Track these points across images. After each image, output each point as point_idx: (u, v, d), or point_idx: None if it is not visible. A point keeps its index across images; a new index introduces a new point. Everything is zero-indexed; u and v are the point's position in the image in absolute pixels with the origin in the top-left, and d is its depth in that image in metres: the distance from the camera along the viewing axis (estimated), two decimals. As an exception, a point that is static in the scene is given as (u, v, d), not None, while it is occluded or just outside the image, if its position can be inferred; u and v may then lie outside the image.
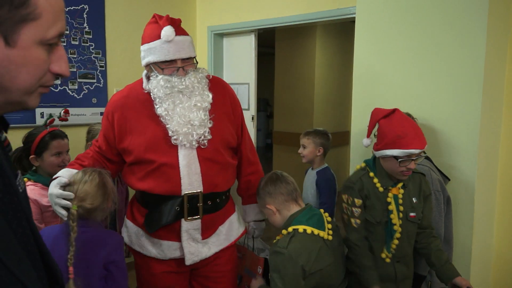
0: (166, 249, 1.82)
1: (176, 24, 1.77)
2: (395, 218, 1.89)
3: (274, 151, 6.42)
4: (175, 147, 1.75)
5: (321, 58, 5.80)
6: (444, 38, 2.26)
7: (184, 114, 1.72)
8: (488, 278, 2.52)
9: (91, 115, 3.40)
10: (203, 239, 1.83)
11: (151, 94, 1.77)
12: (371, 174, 1.93)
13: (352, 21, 6.16)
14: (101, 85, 3.45)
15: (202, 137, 1.74)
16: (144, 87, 1.83)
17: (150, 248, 1.85)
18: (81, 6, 3.27)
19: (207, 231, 1.84)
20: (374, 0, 2.52)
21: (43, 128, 2.13)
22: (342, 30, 6.08)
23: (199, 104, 1.75)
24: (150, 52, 1.74)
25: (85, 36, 3.32)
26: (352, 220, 1.92)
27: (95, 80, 3.41)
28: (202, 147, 1.76)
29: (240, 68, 3.83)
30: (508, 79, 2.39)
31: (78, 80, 3.32)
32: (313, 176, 2.66)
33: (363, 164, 2.00)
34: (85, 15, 3.30)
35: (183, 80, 1.73)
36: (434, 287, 2.16)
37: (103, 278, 1.59)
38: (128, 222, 1.94)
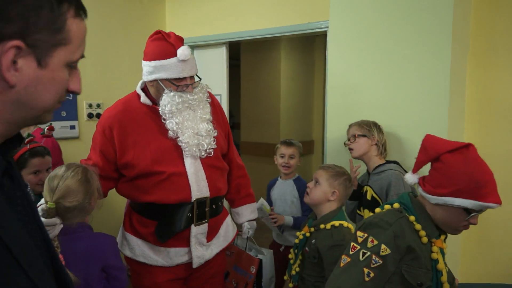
0: (174, 256, 1.90)
1: (183, 42, 1.87)
2: (445, 283, 1.46)
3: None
4: (181, 157, 1.86)
5: (286, 70, 5.95)
6: (412, 51, 2.42)
7: (193, 127, 1.84)
8: (457, 270, 2.69)
9: (60, 128, 3.31)
10: (207, 242, 1.95)
11: (159, 109, 1.84)
12: (412, 218, 1.45)
13: (316, 35, 6.36)
14: (71, 98, 3.38)
15: (210, 146, 1.88)
16: (143, 101, 1.90)
17: (156, 257, 1.90)
18: (50, 17, 3.20)
19: (211, 234, 1.97)
20: (346, 14, 2.66)
21: (23, 145, 2.07)
22: (306, 43, 6.27)
23: (204, 116, 1.89)
24: (162, 69, 1.81)
25: (54, 48, 3.25)
26: (365, 270, 1.37)
27: (64, 93, 3.34)
28: (209, 155, 1.89)
29: (212, 80, 3.86)
30: (469, 88, 2.59)
31: (47, 92, 3.24)
32: (291, 185, 2.75)
33: (396, 205, 1.50)
34: (53, 27, 3.23)
35: (194, 95, 1.85)
36: None
37: (103, 279, 1.63)
38: (128, 235, 1.95)
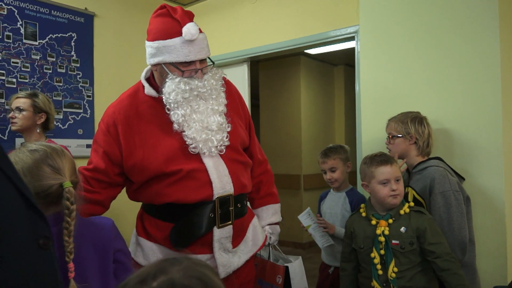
0: None
1: (193, 19, 1.63)
2: None
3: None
4: (197, 153, 1.59)
5: (306, 100, 5.83)
6: (454, 41, 2.24)
7: (202, 120, 1.58)
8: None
9: (76, 147, 3.15)
10: (233, 247, 1.65)
11: (163, 98, 1.59)
12: None
13: (332, 64, 6.28)
14: (88, 116, 3.24)
15: (221, 142, 1.61)
16: (147, 93, 1.66)
17: None
18: (69, 33, 3.15)
19: (237, 238, 1.67)
20: (378, 15, 2.53)
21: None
22: (324, 73, 6.19)
23: (216, 108, 1.62)
24: (166, 51, 1.56)
25: (72, 64, 3.16)
26: None
27: (81, 110, 3.21)
28: (220, 153, 1.62)
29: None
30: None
31: (64, 109, 3.11)
32: (343, 198, 2.41)
33: None
34: (72, 43, 3.16)
35: (204, 83, 1.59)
36: None
37: (108, 274, 1.27)
38: (142, 240, 1.68)
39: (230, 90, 1.79)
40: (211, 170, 1.58)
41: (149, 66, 1.72)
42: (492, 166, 2.11)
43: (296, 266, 1.88)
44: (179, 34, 1.54)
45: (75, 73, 3.18)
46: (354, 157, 2.71)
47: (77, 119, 3.18)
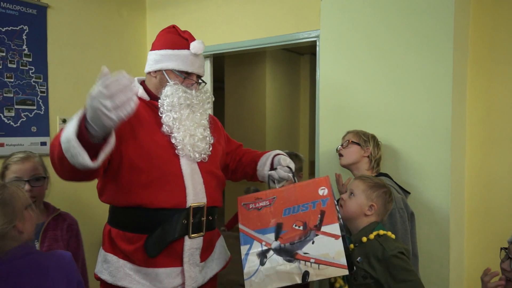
0: (165, 278, 1.64)
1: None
2: None
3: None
4: (177, 157, 1.69)
5: (271, 90, 5.82)
6: (412, 56, 2.27)
7: (190, 128, 1.70)
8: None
9: (30, 145, 3.04)
10: (201, 261, 1.73)
11: (159, 101, 1.72)
12: None
13: (299, 53, 6.27)
14: (42, 112, 3.12)
15: (205, 150, 1.74)
16: (140, 95, 1.77)
17: (143, 281, 1.64)
18: (20, 26, 2.98)
19: (205, 252, 1.76)
20: (338, 22, 2.52)
21: None
22: (290, 62, 6.18)
23: (202, 122, 1.78)
24: (172, 59, 1.74)
25: (24, 59, 3.01)
26: None
27: (35, 107, 3.08)
28: (203, 161, 1.74)
29: (195, 95, 3.67)
30: (470, 96, 2.45)
31: (15, 106, 2.97)
32: None
33: None
34: (24, 37, 3.01)
35: (200, 95, 1.76)
36: None
37: None
38: (109, 256, 1.69)
39: (212, 117, 1.99)
40: (186, 177, 1.68)
41: (137, 78, 1.85)
42: (440, 182, 2.20)
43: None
44: (187, 47, 1.76)
45: (27, 68, 3.03)
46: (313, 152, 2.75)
47: (30, 116, 3.05)
